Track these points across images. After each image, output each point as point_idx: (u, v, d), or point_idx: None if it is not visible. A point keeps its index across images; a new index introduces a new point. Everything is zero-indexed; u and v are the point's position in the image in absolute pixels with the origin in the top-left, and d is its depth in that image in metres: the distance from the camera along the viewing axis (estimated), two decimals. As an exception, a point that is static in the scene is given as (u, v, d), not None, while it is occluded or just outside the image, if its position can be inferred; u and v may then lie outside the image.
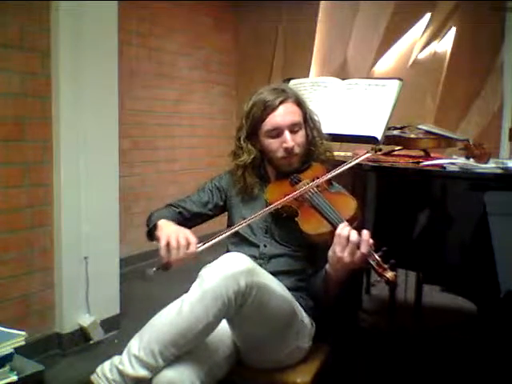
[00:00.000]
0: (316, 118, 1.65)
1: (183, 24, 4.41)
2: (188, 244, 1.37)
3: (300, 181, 1.54)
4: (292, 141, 1.53)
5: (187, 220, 1.67)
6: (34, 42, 2.37)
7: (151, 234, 1.56)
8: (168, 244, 1.37)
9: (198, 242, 1.40)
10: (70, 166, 2.50)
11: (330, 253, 1.35)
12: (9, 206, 2.33)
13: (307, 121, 1.61)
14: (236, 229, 1.46)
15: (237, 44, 5.16)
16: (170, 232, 1.41)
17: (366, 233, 1.32)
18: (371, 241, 1.32)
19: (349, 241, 1.30)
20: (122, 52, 3.31)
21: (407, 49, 4.35)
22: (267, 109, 1.53)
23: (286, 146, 1.53)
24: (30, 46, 2.36)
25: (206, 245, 1.39)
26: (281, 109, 1.54)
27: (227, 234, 1.44)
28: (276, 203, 1.47)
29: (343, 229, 1.32)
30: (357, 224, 1.40)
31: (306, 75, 4.56)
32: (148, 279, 1.36)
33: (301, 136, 1.57)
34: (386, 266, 1.28)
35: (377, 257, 1.30)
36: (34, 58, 2.38)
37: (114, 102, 2.74)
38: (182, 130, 4.49)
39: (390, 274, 1.27)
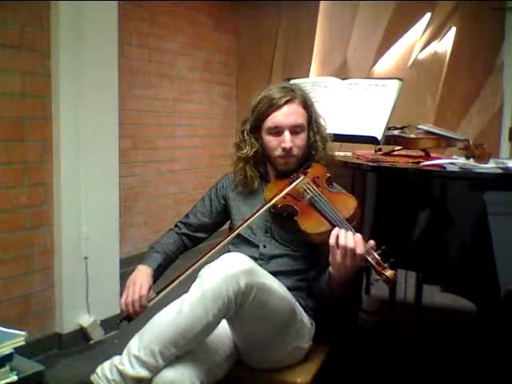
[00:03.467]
0: (322, 122, 1.63)
1: (183, 24, 4.40)
2: (140, 298, 1.46)
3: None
4: (291, 142, 1.53)
5: (193, 238, 1.72)
6: (34, 42, 2.37)
7: None
8: (127, 297, 1.48)
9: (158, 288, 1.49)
10: (70, 166, 2.50)
11: (331, 260, 1.35)
12: (9, 206, 2.33)
13: (311, 124, 1.60)
14: (217, 247, 1.45)
15: (237, 44, 5.16)
16: (129, 285, 1.51)
17: (359, 235, 1.32)
18: (372, 242, 1.32)
19: (346, 248, 1.30)
20: (122, 52, 3.31)
21: (407, 49, 4.35)
22: (272, 106, 1.54)
23: (284, 146, 1.53)
24: (30, 46, 2.36)
25: (163, 292, 1.46)
26: (285, 108, 1.54)
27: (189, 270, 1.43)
28: (272, 199, 1.47)
29: (339, 237, 1.32)
30: (357, 223, 1.40)
31: (306, 75, 4.56)
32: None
33: (301, 139, 1.56)
34: (385, 265, 1.28)
35: (376, 255, 1.30)
36: (34, 58, 2.38)
37: (114, 101, 2.74)
38: (182, 129, 4.49)
39: (389, 273, 1.27)
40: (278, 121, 1.54)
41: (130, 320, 1.48)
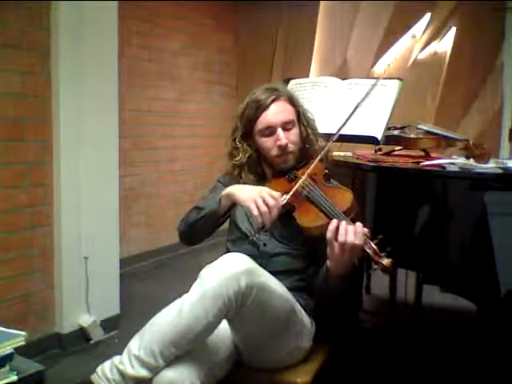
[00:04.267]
0: (310, 115, 1.66)
1: (184, 24, 4.41)
2: (275, 202, 1.38)
3: (297, 177, 1.55)
4: (285, 138, 1.54)
5: None
6: (33, 42, 2.37)
7: (196, 222, 1.56)
8: (258, 209, 1.38)
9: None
10: (69, 166, 2.50)
11: (329, 254, 1.35)
12: (9, 206, 2.33)
13: (300, 119, 1.62)
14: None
15: (237, 44, 5.16)
16: (253, 196, 1.40)
17: (358, 225, 1.32)
18: (365, 229, 1.33)
19: (345, 241, 1.30)
20: (122, 52, 3.31)
21: (407, 49, 4.35)
22: (259, 108, 1.55)
23: (279, 144, 1.54)
24: (29, 46, 2.36)
25: (289, 194, 1.43)
26: (273, 107, 1.55)
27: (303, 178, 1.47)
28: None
29: (337, 230, 1.32)
30: (354, 215, 1.40)
31: (306, 75, 4.56)
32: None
33: (294, 134, 1.57)
34: (382, 254, 1.30)
35: (373, 245, 1.31)
36: (34, 58, 2.38)
37: (114, 101, 2.74)
38: (182, 129, 4.49)
39: (386, 261, 1.28)
40: (269, 120, 1.55)
41: (262, 229, 1.41)
